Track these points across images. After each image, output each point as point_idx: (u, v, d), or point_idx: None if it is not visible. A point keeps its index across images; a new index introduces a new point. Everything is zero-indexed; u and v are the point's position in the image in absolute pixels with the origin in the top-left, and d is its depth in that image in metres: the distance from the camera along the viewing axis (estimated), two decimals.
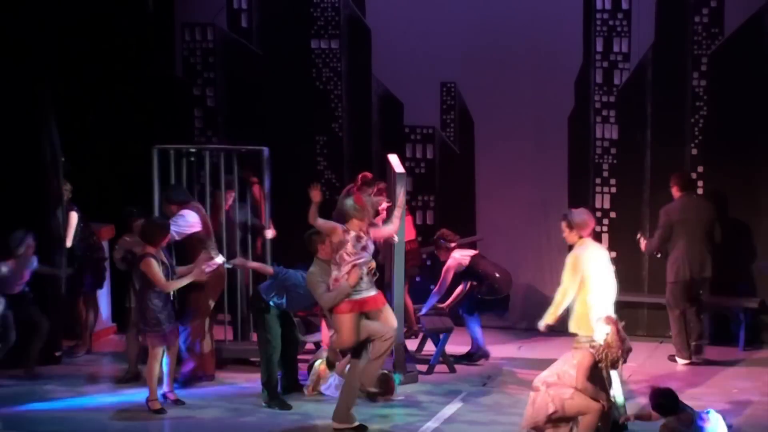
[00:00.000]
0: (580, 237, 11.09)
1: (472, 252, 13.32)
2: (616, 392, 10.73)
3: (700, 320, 13.53)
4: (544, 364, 10.79)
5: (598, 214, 14.51)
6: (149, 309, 11.41)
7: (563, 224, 11.17)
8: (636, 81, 14.35)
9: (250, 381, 12.29)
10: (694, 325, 13.39)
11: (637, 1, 14.22)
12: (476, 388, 12.34)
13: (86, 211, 13.66)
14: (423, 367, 12.70)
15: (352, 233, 10.78)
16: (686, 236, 13.33)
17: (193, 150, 13.04)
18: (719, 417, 9.93)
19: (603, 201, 14.55)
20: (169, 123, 15.25)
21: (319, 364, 11.94)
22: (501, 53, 14.51)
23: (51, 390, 12.23)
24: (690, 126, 14.21)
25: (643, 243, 13.53)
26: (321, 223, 10.87)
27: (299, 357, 12.41)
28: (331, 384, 11.90)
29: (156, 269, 11.32)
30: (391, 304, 11.48)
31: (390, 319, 10.98)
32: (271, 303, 11.63)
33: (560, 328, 11.08)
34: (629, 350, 10.10)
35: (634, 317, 13.91)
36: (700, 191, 14.16)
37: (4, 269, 12.32)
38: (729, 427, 10.16)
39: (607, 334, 9.99)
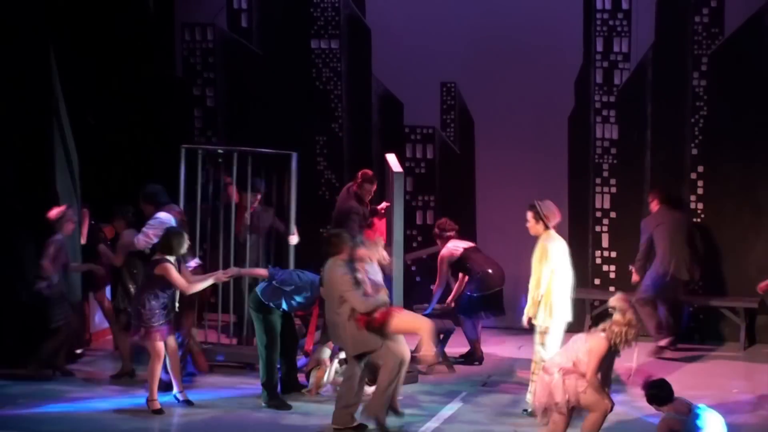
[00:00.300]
0: (546, 228, 11.07)
1: (466, 244, 13.29)
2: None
3: (676, 321, 13.77)
4: None
5: (598, 214, 14.53)
6: (146, 309, 11.44)
7: (530, 214, 11.16)
8: (636, 81, 14.36)
9: (250, 381, 12.30)
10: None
11: (637, 1, 14.23)
12: (476, 388, 12.34)
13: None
14: (423, 367, 12.70)
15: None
16: (667, 239, 13.59)
17: (221, 151, 12.94)
18: (720, 418, 9.92)
19: (603, 201, 14.56)
20: (169, 123, 15.27)
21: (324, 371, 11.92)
22: (501, 53, 14.53)
23: (51, 390, 12.22)
24: (690, 126, 14.22)
25: (634, 275, 13.72)
26: None
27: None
28: (329, 388, 11.94)
29: (174, 273, 11.32)
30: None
31: (398, 350, 10.74)
32: (270, 304, 11.62)
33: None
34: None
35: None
36: (700, 191, 14.20)
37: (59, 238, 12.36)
38: (728, 425, 10.16)
39: (626, 312, 9.93)
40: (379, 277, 10.92)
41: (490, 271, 13.11)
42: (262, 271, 11.85)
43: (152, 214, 12.19)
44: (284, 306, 11.63)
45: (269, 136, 14.33)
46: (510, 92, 14.56)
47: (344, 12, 15.14)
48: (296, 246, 12.73)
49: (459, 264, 13.17)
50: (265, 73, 15.32)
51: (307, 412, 11.54)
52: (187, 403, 11.67)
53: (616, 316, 9.89)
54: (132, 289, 12.26)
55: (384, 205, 13.41)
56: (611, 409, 10.00)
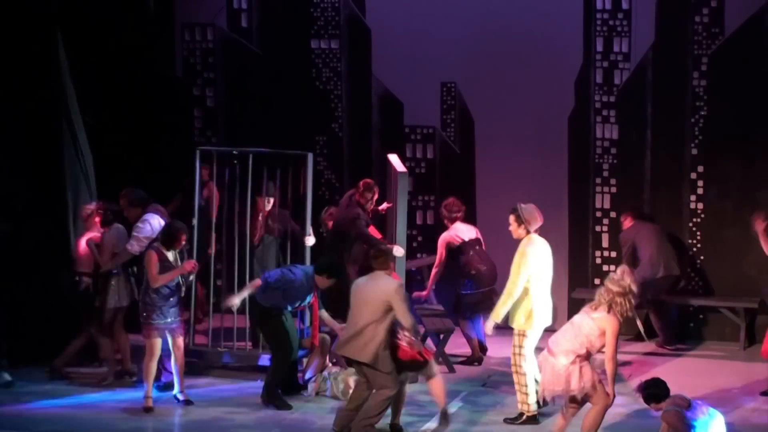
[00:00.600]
0: (528, 232, 11.06)
1: (470, 235, 13.24)
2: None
3: (659, 320, 13.85)
4: None
5: (598, 214, 14.53)
6: (144, 303, 11.49)
7: (512, 218, 11.11)
8: (636, 81, 14.36)
9: (250, 381, 12.29)
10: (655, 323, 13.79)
11: (637, 1, 14.23)
12: (476, 388, 12.33)
13: None
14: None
15: None
16: (653, 241, 13.69)
17: (235, 153, 12.92)
18: (721, 417, 9.91)
19: (603, 201, 14.56)
20: (169, 123, 15.26)
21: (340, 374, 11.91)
22: (501, 53, 14.52)
23: (50, 390, 12.21)
24: (690, 126, 14.22)
25: None
26: None
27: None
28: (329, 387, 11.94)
29: (153, 263, 11.40)
30: None
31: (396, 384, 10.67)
32: (271, 307, 11.61)
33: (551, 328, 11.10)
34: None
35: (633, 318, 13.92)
36: (700, 191, 14.20)
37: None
38: (728, 425, 10.16)
39: (621, 280, 9.95)
40: None
41: (483, 269, 13.11)
42: (257, 282, 11.81)
43: (139, 217, 12.22)
44: (287, 307, 11.62)
45: (269, 136, 14.32)
46: (510, 92, 14.55)
47: (344, 12, 15.14)
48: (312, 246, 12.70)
49: (454, 254, 13.19)
50: (265, 73, 15.32)
51: (307, 412, 11.55)
52: (187, 402, 11.67)
53: (613, 287, 9.90)
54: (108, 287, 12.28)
55: (385, 205, 13.41)
56: (612, 403, 10.02)
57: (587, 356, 9.95)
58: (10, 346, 12.39)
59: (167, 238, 11.56)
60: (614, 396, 9.98)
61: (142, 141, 14.87)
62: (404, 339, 10.54)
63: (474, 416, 11.44)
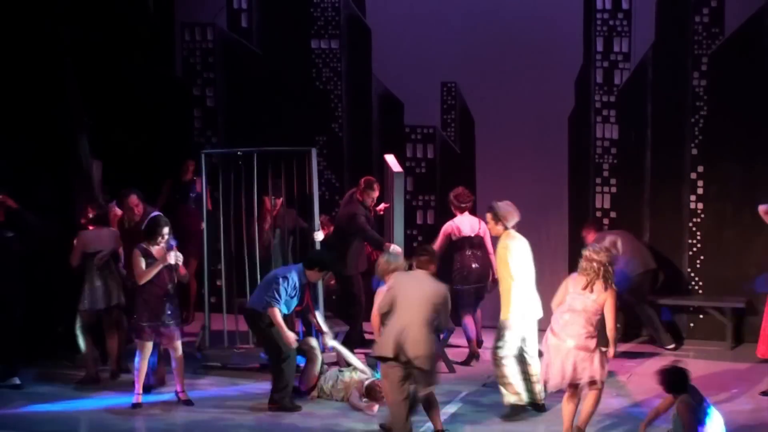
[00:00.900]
0: (505, 229, 11.21)
1: (470, 231, 13.23)
2: (535, 370, 11.05)
3: (657, 321, 13.90)
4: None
5: (598, 214, 14.52)
6: (137, 303, 11.57)
7: (489, 216, 11.37)
8: (636, 81, 14.35)
9: (251, 381, 12.30)
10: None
11: (637, 1, 14.23)
12: (476, 388, 12.33)
13: None
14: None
15: None
16: (627, 244, 13.68)
17: (240, 153, 12.92)
18: (720, 418, 9.92)
19: (603, 201, 14.55)
20: (169, 123, 15.27)
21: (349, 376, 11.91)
22: (501, 53, 14.52)
23: (50, 390, 12.22)
24: (690, 126, 14.21)
25: None
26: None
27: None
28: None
29: (137, 261, 11.52)
30: None
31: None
32: (263, 311, 11.55)
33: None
34: None
35: (632, 317, 13.93)
36: (700, 191, 14.20)
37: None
38: (728, 425, 10.16)
39: (600, 251, 10.14)
40: None
41: (473, 266, 13.14)
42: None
43: (140, 216, 12.46)
44: (284, 309, 11.59)
45: (269, 136, 14.32)
46: (510, 92, 14.55)
47: (344, 12, 15.14)
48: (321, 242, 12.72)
49: (452, 245, 13.21)
50: (265, 73, 15.32)
51: (307, 412, 11.54)
52: (187, 402, 11.68)
53: (600, 257, 10.04)
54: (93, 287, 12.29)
55: (383, 206, 13.41)
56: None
57: (594, 335, 10.07)
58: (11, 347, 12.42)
59: (147, 231, 11.72)
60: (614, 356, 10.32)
61: (142, 141, 14.87)
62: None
63: (474, 416, 11.45)
